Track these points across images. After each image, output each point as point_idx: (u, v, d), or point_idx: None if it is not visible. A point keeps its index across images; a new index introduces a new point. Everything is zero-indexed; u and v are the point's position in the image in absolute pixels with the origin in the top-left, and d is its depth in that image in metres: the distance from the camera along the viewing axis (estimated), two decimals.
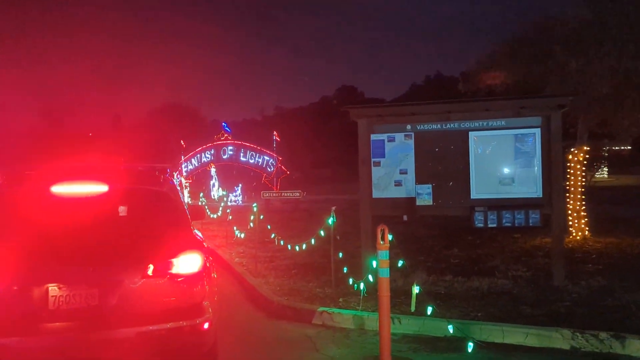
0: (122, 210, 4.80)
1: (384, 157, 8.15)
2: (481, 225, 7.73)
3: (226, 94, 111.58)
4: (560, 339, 5.47)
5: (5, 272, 4.14)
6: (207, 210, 14.26)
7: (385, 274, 5.04)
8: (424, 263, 9.28)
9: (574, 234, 11.48)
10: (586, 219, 11.58)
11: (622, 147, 39.01)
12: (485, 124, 7.85)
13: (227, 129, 27.55)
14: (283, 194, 21.83)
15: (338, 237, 8.13)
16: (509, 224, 7.62)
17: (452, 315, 6.19)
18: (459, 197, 7.93)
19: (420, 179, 8.04)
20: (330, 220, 7.58)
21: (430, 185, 7.99)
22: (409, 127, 8.12)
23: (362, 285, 6.65)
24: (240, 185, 27.31)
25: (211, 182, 28.36)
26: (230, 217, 13.34)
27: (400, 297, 6.90)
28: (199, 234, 5.41)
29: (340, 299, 7.04)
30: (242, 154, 25.86)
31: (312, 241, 8.66)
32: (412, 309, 5.86)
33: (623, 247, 10.41)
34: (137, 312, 4.22)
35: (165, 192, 5.02)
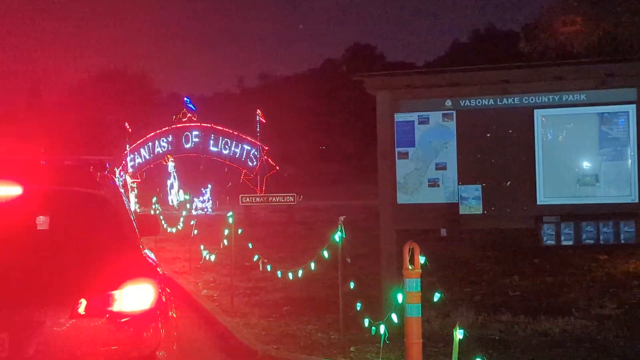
0: (42, 221, 4.80)
1: (413, 145, 8.14)
2: (552, 242, 7.70)
3: (190, 59, 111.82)
4: None
5: None
6: (163, 222, 14.27)
7: (415, 312, 5.02)
8: (470, 296, 9.27)
9: None
10: None
11: None
12: (557, 98, 7.83)
13: (190, 106, 27.59)
14: (270, 198, 21.90)
15: (349, 260, 8.12)
16: (591, 241, 7.60)
17: None
18: (520, 202, 7.91)
19: (464, 178, 8.03)
20: (337, 236, 7.57)
21: (478, 187, 7.98)
22: (449, 103, 8.11)
23: (382, 329, 6.64)
24: (209, 186, 27.35)
25: (168, 182, 28.44)
26: (196, 232, 13.34)
27: (437, 345, 6.89)
28: (151, 255, 5.41)
29: (352, 348, 7.04)
30: (212, 142, 25.92)
31: (312, 266, 8.64)
32: None
33: None
34: None
35: (103, 197, 5.01)
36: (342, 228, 7.53)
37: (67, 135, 42.87)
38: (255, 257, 10.50)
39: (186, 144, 26.89)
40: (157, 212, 15.95)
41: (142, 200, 25.41)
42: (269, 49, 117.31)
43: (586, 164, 7.78)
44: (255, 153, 24.24)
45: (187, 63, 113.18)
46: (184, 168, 29.28)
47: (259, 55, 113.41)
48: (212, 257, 12.22)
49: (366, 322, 7.06)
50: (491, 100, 8.01)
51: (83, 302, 4.33)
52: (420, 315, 5.07)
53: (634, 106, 7.64)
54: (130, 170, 27.90)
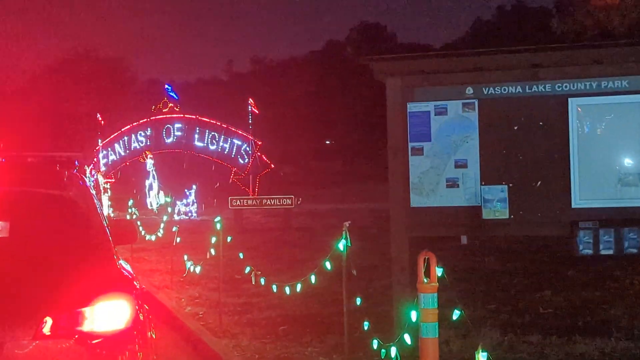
0: (1, 227, 4.81)
1: (429, 140, 8.15)
2: (589, 252, 7.71)
3: (171, 40, 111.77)
4: None
5: None
6: (141, 229, 14.28)
7: (431, 332, 5.03)
8: (495, 314, 9.28)
9: None
10: None
11: None
12: (595, 85, 7.84)
13: (172, 94, 27.61)
14: (264, 201, 21.91)
15: (355, 272, 8.12)
16: (634, 250, 7.61)
17: None
18: (552, 206, 7.92)
19: (488, 177, 8.04)
20: (341, 245, 7.58)
21: (504, 187, 7.99)
22: (470, 90, 8.12)
23: (393, 351, 6.65)
24: (194, 187, 27.40)
25: (147, 183, 28.47)
26: (179, 240, 13.36)
27: None
28: (127, 267, 5.42)
29: None
30: (197, 136, 25.95)
31: (312, 279, 8.66)
32: None
33: None
34: None
35: (72, 199, 5.03)
36: (347, 235, 7.53)
37: (29, 129, 42.89)
38: (247, 269, 10.51)
39: (167, 139, 26.89)
40: (134, 217, 15.96)
41: (117, 203, 25.43)
42: (263, 28, 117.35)
43: (629, 161, 7.79)
44: (247, 149, 24.23)
45: (167, 45, 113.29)
46: (164, 166, 29.30)
47: (250, 35, 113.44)
48: (198, 269, 12.23)
49: (375, 343, 7.07)
50: (519, 87, 8.02)
51: (48, 321, 4.34)
52: (437, 336, 5.06)
53: None
54: (102, 168, 27.90)
